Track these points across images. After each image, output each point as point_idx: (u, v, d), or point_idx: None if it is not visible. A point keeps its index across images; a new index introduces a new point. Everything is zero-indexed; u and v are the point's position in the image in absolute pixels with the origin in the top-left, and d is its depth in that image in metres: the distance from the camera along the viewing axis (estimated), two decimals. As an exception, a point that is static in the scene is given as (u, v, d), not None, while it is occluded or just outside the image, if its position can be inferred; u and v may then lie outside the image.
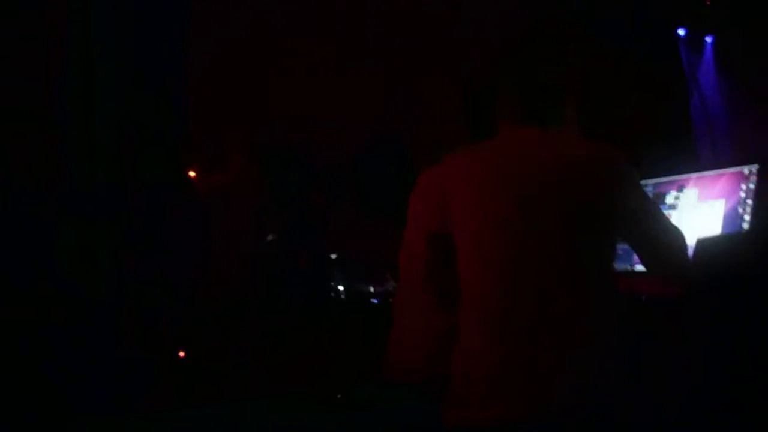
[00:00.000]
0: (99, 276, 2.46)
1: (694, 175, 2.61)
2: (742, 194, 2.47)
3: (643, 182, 1.90)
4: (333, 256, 3.41)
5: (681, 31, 3.65)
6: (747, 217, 2.44)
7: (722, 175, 2.55)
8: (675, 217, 2.40)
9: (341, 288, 3.32)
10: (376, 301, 3.14)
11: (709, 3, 3.28)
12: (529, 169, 1.72)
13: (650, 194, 2.34)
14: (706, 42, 3.74)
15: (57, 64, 2.53)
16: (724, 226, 2.47)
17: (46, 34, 2.57)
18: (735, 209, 2.48)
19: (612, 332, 1.68)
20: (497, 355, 1.66)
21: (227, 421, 2.81)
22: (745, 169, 2.49)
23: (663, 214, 1.83)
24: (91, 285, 2.44)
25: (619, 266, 2.52)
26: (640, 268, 2.36)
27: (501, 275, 1.70)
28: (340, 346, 2.93)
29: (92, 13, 2.53)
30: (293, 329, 3.15)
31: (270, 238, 3.45)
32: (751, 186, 2.45)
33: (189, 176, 2.82)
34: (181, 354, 2.53)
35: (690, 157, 2.87)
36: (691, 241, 1.86)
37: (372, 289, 3.19)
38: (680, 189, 2.63)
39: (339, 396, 2.21)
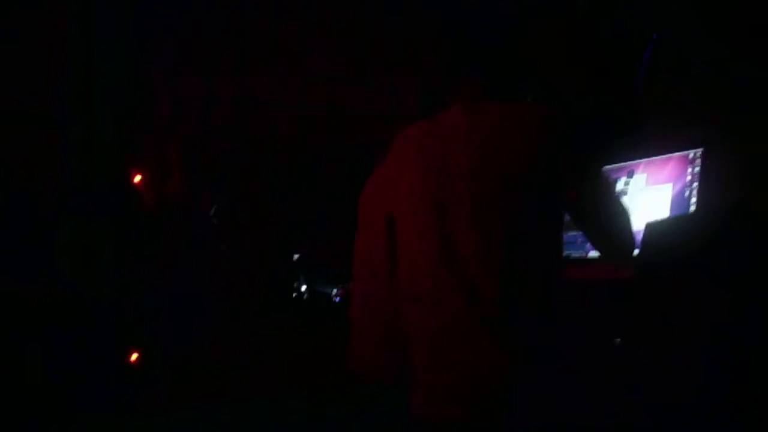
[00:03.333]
0: (99, 276, 2.46)
1: (642, 161, 2.65)
2: (689, 177, 2.54)
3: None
4: (295, 257, 3.41)
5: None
6: (693, 200, 2.50)
7: (669, 159, 2.61)
8: (626, 203, 2.45)
9: (303, 288, 3.33)
10: (338, 300, 3.16)
11: None
12: (447, 139, 1.64)
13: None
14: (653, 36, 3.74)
15: (57, 64, 2.53)
16: (672, 209, 2.52)
17: (46, 34, 2.58)
18: (682, 192, 2.55)
19: (548, 321, 1.62)
20: (424, 356, 1.61)
21: (227, 421, 2.81)
22: (691, 153, 2.55)
23: (609, 191, 1.76)
24: (91, 285, 2.44)
25: (575, 253, 2.55)
26: (594, 254, 2.40)
27: (424, 262, 1.63)
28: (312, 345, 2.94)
29: (92, 13, 2.53)
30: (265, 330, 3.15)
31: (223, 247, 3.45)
32: (697, 169, 2.51)
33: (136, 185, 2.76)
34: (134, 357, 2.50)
35: (638, 142, 2.92)
36: (641, 225, 1.84)
37: (334, 291, 3.20)
38: (630, 174, 2.71)
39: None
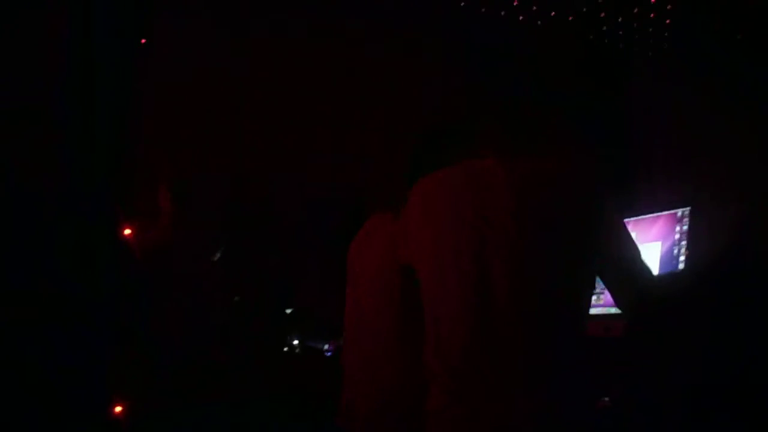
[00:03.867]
0: (99, 276, 2.46)
1: (632, 219, 2.70)
2: (677, 236, 2.59)
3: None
4: (288, 311, 3.42)
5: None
6: (682, 258, 2.53)
7: (658, 218, 2.67)
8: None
9: (296, 342, 3.33)
10: (329, 354, 3.17)
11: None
12: (483, 191, 1.59)
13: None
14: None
15: (57, 64, 2.53)
16: (661, 267, 2.57)
17: (46, 34, 2.58)
18: (671, 250, 2.60)
19: (582, 377, 1.59)
20: (458, 413, 1.56)
21: (227, 421, 2.81)
22: (679, 212, 2.60)
23: (635, 245, 1.75)
24: (91, 285, 2.43)
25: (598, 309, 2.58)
26: (615, 310, 2.40)
27: (459, 317, 1.56)
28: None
29: (92, 13, 2.53)
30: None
31: (236, 298, 3.45)
32: (685, 228, 2.56)
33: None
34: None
35: (629, 200, 2.96)
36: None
37: (326, 346, 3.21)
38: None
39: None
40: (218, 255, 3.38)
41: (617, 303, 1.68)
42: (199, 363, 3.08)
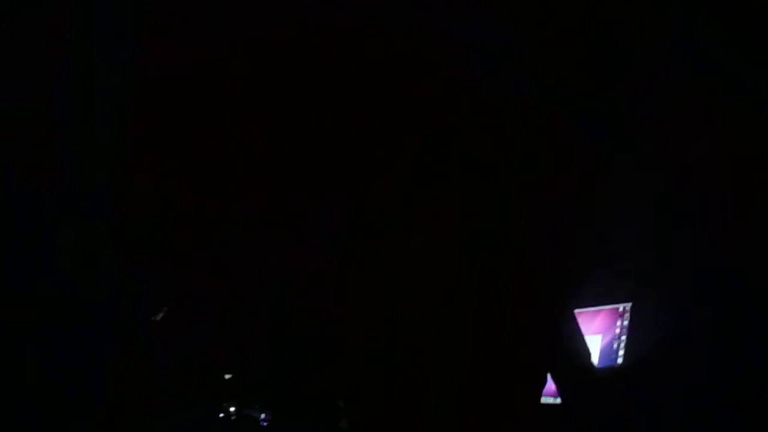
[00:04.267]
0: (99, 276, 2.45)
1: (574, 311, 2.68)
2: (617, 330, 2.59)
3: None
4: (227, 377, 3.40)
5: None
6: (621, 352, 2.55)
7: (600, 311, 2.67)
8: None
9: (232, 409, 3.30)
10: (264, 425, 3.14)
11: None
12: None
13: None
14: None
15: (57, 64, 2.53)
16: (600, 361, 2.58)
17: (46, 34, 2.57)
18: (611, 344, 2.61)
19: None
20: None
21: (226, 421, 2.81)
22: (620, 307, 2.60)
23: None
24: (91, 285, 2.43)
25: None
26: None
27: None
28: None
29: (92, 13, 2.53)
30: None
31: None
32: (625, 323, 2.57)
33: None
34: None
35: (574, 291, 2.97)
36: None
37: (263, 416, 3.18)
38: None
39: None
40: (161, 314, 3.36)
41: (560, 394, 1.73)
42: (199, 363, 3.08)
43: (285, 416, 2.95)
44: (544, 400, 2.48)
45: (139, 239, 2.76)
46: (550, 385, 2.24)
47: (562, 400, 1.81)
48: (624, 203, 2.87)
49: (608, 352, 2.60)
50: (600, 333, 2.64)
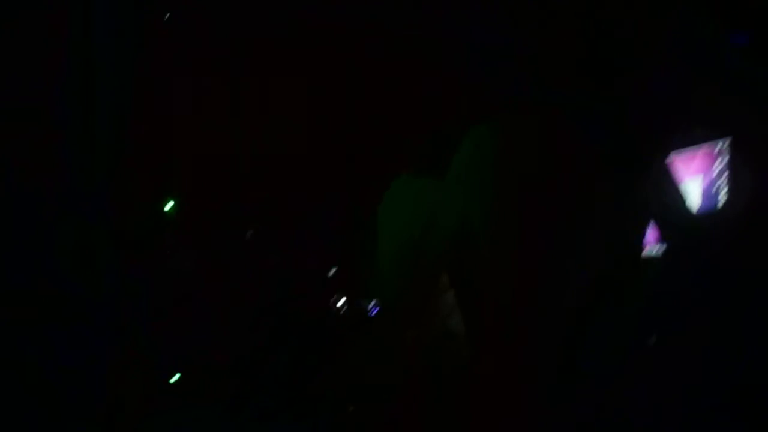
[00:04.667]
0: (99, 276, 2.46)
1: (669, 155, 2.60)
2: (717, 170, 2.51)
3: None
4: (332, 271, 3.41)
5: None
6: (722, 192, 2.47)
7: (696, 153, 2.57)
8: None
9: (342, 302, 3.33)
10: (374, 313, 3.16)
11: None
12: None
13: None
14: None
15: (57, 64, 2.53)
16: (701, 203, 2.48)
17: (46, 34, 2.57)
18: (710, 186, 2.52)
19: None
20: None
21: (226, 421, 2.80)
22: (718, 144, 2.52)
23: None
24: (91, 285, 2.44)
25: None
26: None
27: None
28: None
29: (92, 13, 2.53)
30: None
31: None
32: (725, 160, 2.49)
33: None
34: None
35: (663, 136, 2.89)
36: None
37: (371, 304, 3.21)
38: None
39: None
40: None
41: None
42: (198, 363, 3.08)
43: (285, 416, 2.95)
44: (647, 252, 2.37)
45: (139, 239, 2.76)
46: (651, 235, 2.12)
47: (666, 248, 1.74)
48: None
49: (708, 193, 2.52)
50: (698, 175, 2.54)
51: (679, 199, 1.67)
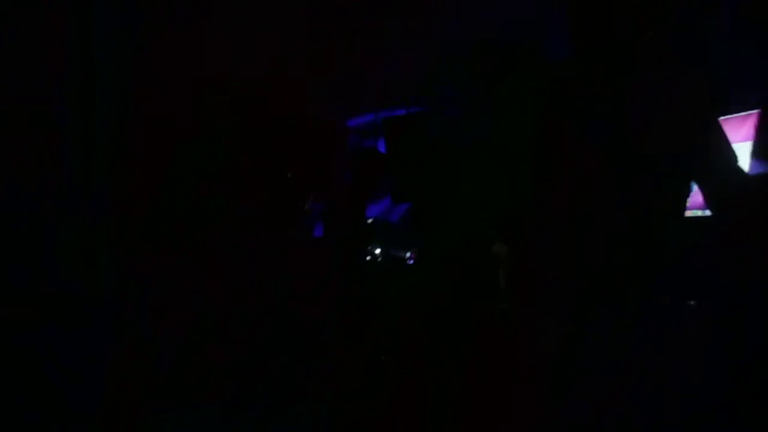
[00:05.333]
0: (99, 276, 2.46)
1: (721, 119, 2.57)
2: None
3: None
4: (369, 220, 3.41)
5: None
6: None
7: (749, 116, 2.50)
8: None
9: (377, 251, 3.33)
10: (412, 262, 3.15)
11: None
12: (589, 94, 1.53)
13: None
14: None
15: (57, 64, 2.53)
16: (751, 168, 2.42)
17: (46, 34, 2.57)
18: (763, 149, 2.45)
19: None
20: None
21: (226, 421, 2.80)
22: None
23: (731, 148, 1.66)
24: (91, 285, 2.43)
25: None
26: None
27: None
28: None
29: (92, 13, 2.53)
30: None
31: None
32: None
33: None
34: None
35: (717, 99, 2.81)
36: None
37: (408, 254, 3.20)
38: None
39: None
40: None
41: (709, 203, 1.64)
42: (198, 363, 3.08)
43: (285, 416, 2.96)
44: (692, 213, 2.30)
45: (139, 239, 2.76)
46: (697, 197, 2.07)
47: (713, 210, 1.68)
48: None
49: (759, 159, 2.48)
50: (750, 139, 2.47)
51: (729, 162, 1.62)
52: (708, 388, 1.82)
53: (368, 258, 3.31)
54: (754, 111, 2.50)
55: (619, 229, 1.55)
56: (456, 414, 2.12)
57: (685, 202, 1.66)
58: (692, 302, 1.91)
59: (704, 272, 1.79)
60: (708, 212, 1.94)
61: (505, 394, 1.62)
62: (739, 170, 1.65)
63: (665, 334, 1.87)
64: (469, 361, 2.16)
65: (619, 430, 1.65)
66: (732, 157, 1.63)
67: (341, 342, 2.94)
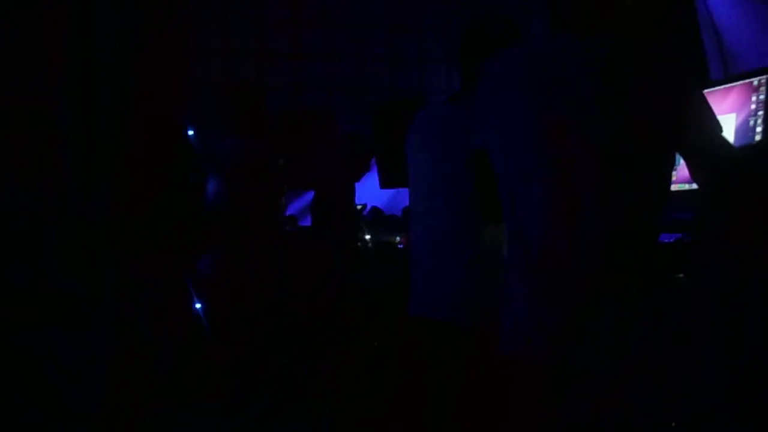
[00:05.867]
0: (99, 276, 2.46)
1: (704, 91, 2.58)
2: (753, 106, 2.44)
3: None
4: (359, 206, 3.42)
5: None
6: (759, 129, 2.41)
7: (732, 88, 2.51)
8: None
9: (368, 237, 3.35)
10: (401, 246, 3.16)
11: None
12: (563, 70, 1.48)
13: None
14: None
15: (57, 64, 2.53)
16: (735, 140, 2.43)
17: (46, 34, 2.57)
18: (746, 122, 2.46)
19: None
20: (538, 299, 1.52)
21: (226, 421, 2.80)
22: (755, 80, 2.46)
23: (717, 121, 1.65)
24: (91, 285, 2.43)
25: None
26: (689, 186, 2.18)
27: (540, 201, 1.51)
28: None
29: (92, 13, 2.53)
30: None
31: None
32: (761, 97, 2.42)
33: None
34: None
35: (699, 70, 2.79)
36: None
37: (398, 239, 3.22)
38: None
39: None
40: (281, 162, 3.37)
41: (694, 177, 1.63)
42: (198, 363, 3.08)
43: (285, 416, 2.95)
44: (678, 186, 2.22)
45: (139, 239, 2.76)
46: (684, 171, 2.01)
47: (699, 183, 1.66)
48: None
49: (744, 129, 2.44)
50: (733, 111, 2.48)
51: (715, 133, 1.59)
52: (708, 388, 1.82)
53: (359, 244, 3.33)
54: (736, 83, 2.50)
55: (614, 220, 1.54)
56: (456, 414, 2.12)
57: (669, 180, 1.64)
58: (691, 300, 1.91)
59: (702, 266, 1.79)
60: (694, 185, 1.93)
61: (504, 394, 1.62)
62: (726, 142, 1.64)
63: (665, 334, 1.86)
64: (469, 361, 2.15)
65: (619, 430, 1.64)
66: (718, 128, 1.62)
67: (341, 342, 2.94)
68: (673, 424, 1.76)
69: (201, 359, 3.16)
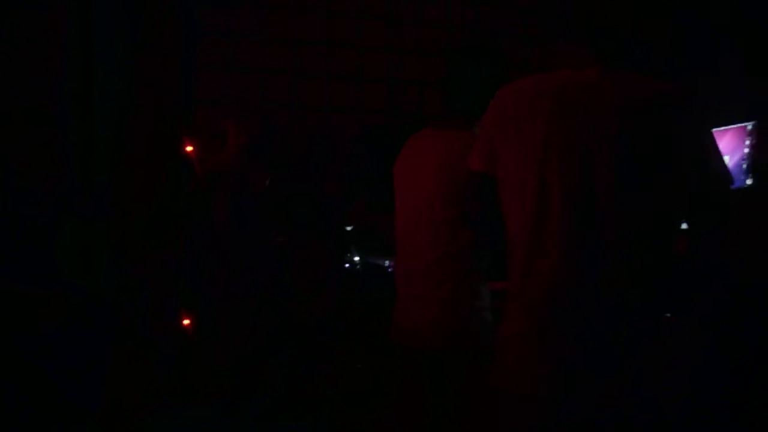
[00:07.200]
0: (99, 276, 2.46)
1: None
2: (746, 150, 2.48)
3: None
4: (348, 228, 3.40)
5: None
6: (750, 173, 2.48)
7: (726, 131, 2.55)
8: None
9: (356, 259, 3.32)
10: (391, 270, 3.14)
11: None
12: (586, 106, 1.51)
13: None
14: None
15: (57, 64, 2.53)
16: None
17: (46, 34, 2.57)
18: (739, 165, 2.49)
19: (658, 290, 1.56)
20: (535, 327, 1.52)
21: (225, 421, 2.80)
22: (749, 125, 2.49)
23: (723, 162, 1.67)
24: (91, 285, 2.44)
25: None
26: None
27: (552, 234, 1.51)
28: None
29: (92, 13, 2.53)
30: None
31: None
32: (753, 141, 2.47)
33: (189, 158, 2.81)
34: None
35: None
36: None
37: (387, 262, 3.20)
38: None
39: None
40: (268, 181, 3.34)
41: (694, 216, 1.64)
42: (198, 363, 3.08)
43: (285, 416, 2.96)
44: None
45: (139, 239, 2.76)
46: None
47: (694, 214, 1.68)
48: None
49: (736, 173, 2.48)
50: (727, 154, 2.51)
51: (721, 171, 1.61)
52: (708, 388, 1.82)
53: (348, 266, 3.33)
54: (730, 127, 2.56)
55: (621, 228, 1.54)
56: (455, 414, 2.12)
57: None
58: (692, 305, 1.91)
59: (703, 274, 1.79)
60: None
61: (505, 393, 1.62)
62: (726, 189, 1.64)
63: (665, 335, 1.86)
64: (469, 361, 2.16)
65: (619, 430, 1.64)
66: (723, 177, 1.63)
67: (341, 342, 2.94)
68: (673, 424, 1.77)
69: (201, 359, 3.16)
